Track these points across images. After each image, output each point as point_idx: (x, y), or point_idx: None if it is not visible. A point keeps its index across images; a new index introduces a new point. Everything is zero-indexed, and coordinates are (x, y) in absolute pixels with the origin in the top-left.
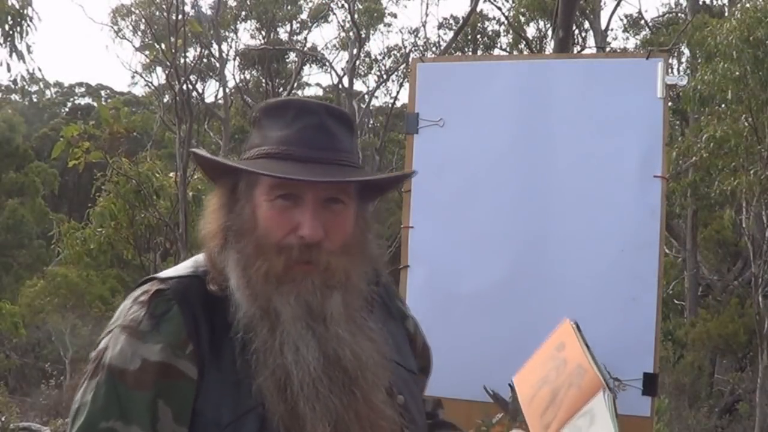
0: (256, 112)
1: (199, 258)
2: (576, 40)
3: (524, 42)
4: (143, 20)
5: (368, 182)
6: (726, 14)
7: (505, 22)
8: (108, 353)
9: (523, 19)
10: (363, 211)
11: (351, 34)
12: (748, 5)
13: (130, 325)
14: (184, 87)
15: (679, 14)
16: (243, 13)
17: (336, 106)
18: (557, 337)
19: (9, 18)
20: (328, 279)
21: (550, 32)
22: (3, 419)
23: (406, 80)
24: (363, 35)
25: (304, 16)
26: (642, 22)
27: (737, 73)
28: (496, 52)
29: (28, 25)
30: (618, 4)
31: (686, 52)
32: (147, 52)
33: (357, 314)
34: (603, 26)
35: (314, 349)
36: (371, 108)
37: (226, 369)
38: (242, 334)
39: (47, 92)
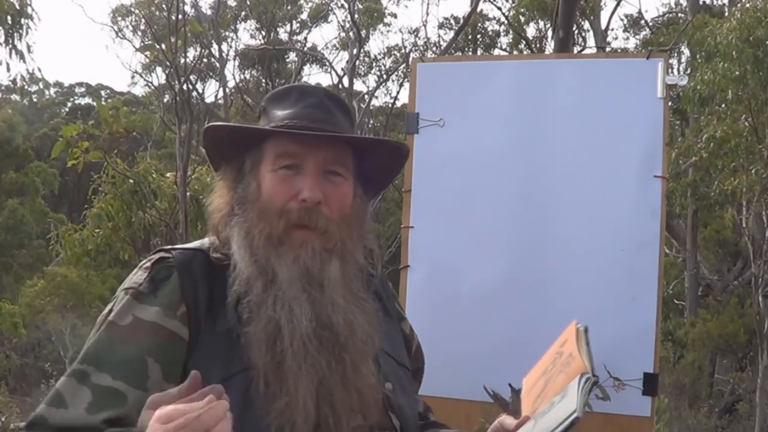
0: (262, 102)
1: (208, 237)
2: (576, 40)
3: (524, 42)
4: (143, 20)
5: (369, 166)
6: (726, 14)
7: (505, 22)
8: (113, 311)
9: (523, 19)
10: (362, 196)
11: (351, 34)
12: (748, 5)
13: (132, 287)
14: (184, 87)
15: (679, 14)
16: (243, 13)
17: (335, 93)
18: (563, 337)
19: (9, 18)
20: (326, 242)
21: (550, 32)
22: (3, 419)
23: (406, 80)
24: (363, 35)
25: (304, 16)
26: (642, 22)
27: (737, 72)
28: (496, 52)
29: (28, 25)
30: (618, 4)
31: (686, 52)
32: (147, 53)
33: (353, 284)
34: (603, 26)
35: (308, 311)
36: (371, 108)
37: (222, 334)
38: (237, 287)
39: (47, 92)
